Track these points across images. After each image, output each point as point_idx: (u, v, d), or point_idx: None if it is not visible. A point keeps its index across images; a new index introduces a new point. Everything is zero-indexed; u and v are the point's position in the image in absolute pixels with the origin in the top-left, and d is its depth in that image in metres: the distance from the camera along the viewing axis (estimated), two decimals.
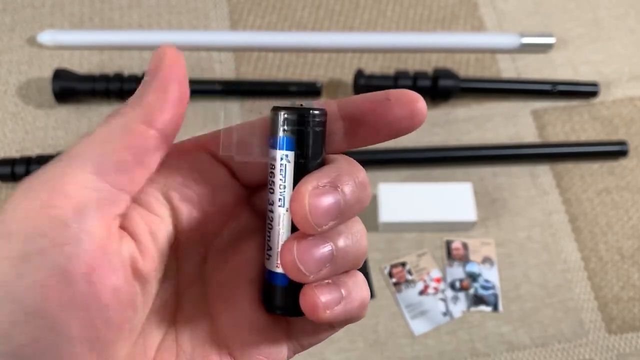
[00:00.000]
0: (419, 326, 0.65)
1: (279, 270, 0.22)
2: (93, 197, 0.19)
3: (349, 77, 0.79)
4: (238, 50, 0.81)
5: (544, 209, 0.72)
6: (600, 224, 0.71)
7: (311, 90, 0.77)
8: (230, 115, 0.23)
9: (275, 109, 0.22)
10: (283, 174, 0.22)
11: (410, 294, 0.66)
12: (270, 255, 0.22)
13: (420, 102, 0.22)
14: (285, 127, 0.21)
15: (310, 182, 0.20)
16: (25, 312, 0.18)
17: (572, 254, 0.69)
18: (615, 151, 0.74)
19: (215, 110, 0.77)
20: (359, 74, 0.76)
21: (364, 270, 0.67)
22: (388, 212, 0.68)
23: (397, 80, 0.75)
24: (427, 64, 0.81)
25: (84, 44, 0.80)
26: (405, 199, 0.69)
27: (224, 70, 0.80)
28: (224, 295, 0.23)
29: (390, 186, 0.69)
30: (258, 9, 0.85)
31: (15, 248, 0.18)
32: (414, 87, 0.75)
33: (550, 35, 0.81)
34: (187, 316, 0.23)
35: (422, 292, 0.67)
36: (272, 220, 0.22)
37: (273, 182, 0.22)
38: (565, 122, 0.77)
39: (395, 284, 0.67)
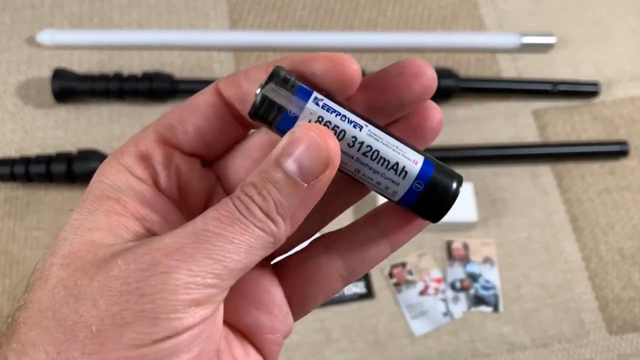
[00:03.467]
0: (419, 326, 0.65)
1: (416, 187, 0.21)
2: None
3: None
4: (238, 50, 0.81)
5: (545, 209, 0.72)
6: (601, 224, 0.71)
7: None
8: None
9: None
10: (332, 108, 0.20)
11: (411, 294, 0.66)
12: (401, 177, 0.21)
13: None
14: (293, 80, 0.20)
15: None
16: None
17: (573, 254, 0.69)
18: (615, 151, 0.74)
19: None
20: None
21: None
22: None
23: None
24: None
25: (84, 44, 0.80)
26: None
27: (223, 70, 0.80)
28: None
29: None
30: (258, 8, 0.85)
31: None
32: None
33: (550, 35, 0.81)
34: None
35: (423, 293, 0.66)
36: (371, 146, 0.20)
37: (337, 125, 0.20)
38: (565, 122, 0.77)
39: (396, 284, 0.67)
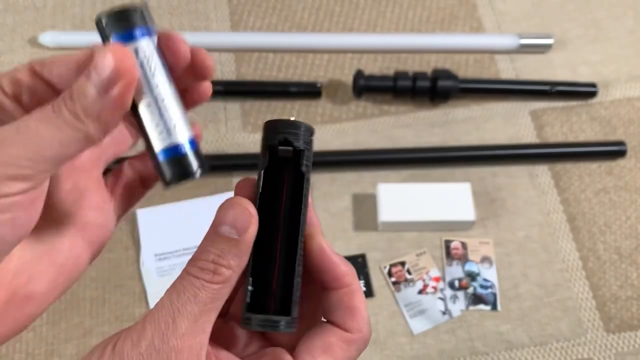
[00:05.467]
0: (418, 325, 0.65)
1: (180, 139, 0.24)
2: None
3: (348, 78, 0.79)
4: (238, 51, 0.82)
5: (543, 209, 0.72)
6: (599, 224, 0.72)
7: (311, 90, 0.78)
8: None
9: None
10: (159, 55, 0.25)
11: (410, 293, 0.67)
12: (174, 131, 0.25)
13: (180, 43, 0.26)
14: (147, 15, 0.25)
15: None
16: None
17: (571, 254, 0.70)
18: (613, 151, 0.75)
19: (215, 110, 0.78)
20: (359, 75, 0.76)
21: (363, 269, 0.67)
22: (388, 212, 0.68)
23: (397, 80, 0.75)
24: (426, 65, 0.81)
25: (85, 45, 0.80)
26: (404, 198, 0.69)
27: (224, 71, 0.80)
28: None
29: (390, 186, 0.70)
30: (258, 10, 0.85)
31: None
32: (414, 88, 0.76)
33: (548, 36, 0.82)
34: None
35: (421, 291, 0.67)
36: (164, 100, 0.25)
37: (155, 66, 0.24)
38: (563, 122, 0.78)
39: (395, 283, 0.67)
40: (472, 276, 0.68)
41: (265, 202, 0.25)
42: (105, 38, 0.24)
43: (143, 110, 0.24)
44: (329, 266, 0.26)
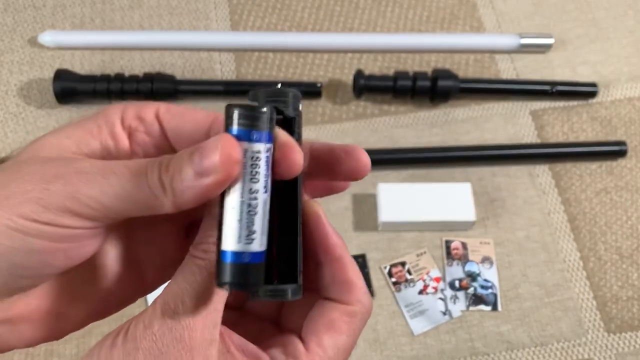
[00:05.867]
0: (418, 325, 0.65)
1: (254, 249, 0.24)
2: None
3: (348, 78, 0.79)
4: (238, 51, 0.82)
5: (543, 209, 0.72)
6: (599, 224, 0.71)
7: (311, 90, 0.78)
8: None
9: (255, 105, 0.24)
10: (267, 164, 0.24)
11: (410, 293, 0.67)
12: (252, 239, 0.24)
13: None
14: (270, 123, 0.23)
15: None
16: None
17: (571, 254, 0.70)
18: (614, 151, 0.75)
19: (215, 110, 0.78)
20: (359, 75, 0.76)
21: (363, 269, 0.67)
22: (388, 212, 0.68)
23: (397, 80, 0.75)
24: (426, 65, 0.81)
25: (85, 45, 0.80)
26: (404, 198, 0.69)
27: (224, 70, 0.80)
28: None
29: (390, 186, 0.70)
30: (258, 9, 0.85)
31: None
32: (414, 88, 0.75)
33: (549, 36, 0.82)
34: None
35: (422, 292, 0.67)
36: (256, 207, 0.24)
37: (258, 172, 0.24)
38: (564, 122, 0.78)
39: (395, 284, 0.67)
40: (472, 276, 0.68)
41: None
42: (226, 124, 0.24)
43: (228, 208, 0.24)
44: (322, 235, 0.27)
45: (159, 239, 0.27)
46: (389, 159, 0.73)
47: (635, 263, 0.69)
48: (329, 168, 0.27)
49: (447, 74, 0.76)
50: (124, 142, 0.26)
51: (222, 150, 0.22)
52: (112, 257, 0.27)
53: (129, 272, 0.28)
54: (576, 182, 0.74)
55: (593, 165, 0.75)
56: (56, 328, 0.26)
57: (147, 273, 0.28)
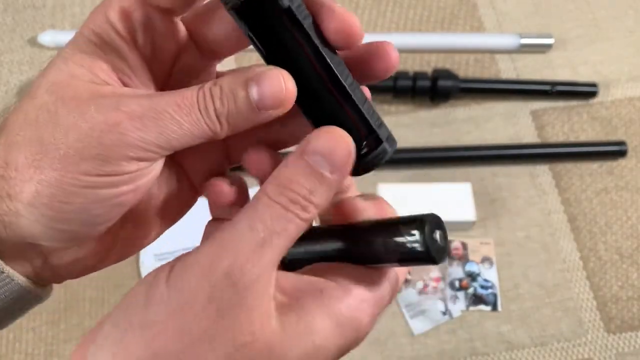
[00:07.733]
0: (418, 325, 0.65)
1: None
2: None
3: None
4: (238, 51, 0.81)
5: (543, 209, 0.72)
6: (599, 224, 0.71)
7: None
8: None
9: None
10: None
11: (410, 293, 0.67)
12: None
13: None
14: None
15: None
16: None
17: (571, 254, 0.70)
18: (614, 151, 0.75)
19: None
20: None
21: None
22: None
23: (397, 80, 0.75)
24: (426, 65, 0.81)
25: None
26: (404, 198, 0.69)
27: (224, 69, 0.80)
28: None
29: (390, 186, 0.70)
30: None
31: None
32: (414, 88, 0.75)
33: (549, 36, 0.82)
34: None
35: (422, 292, 0.67)
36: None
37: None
38: (564, 122, 0.78)
39: None
40: (472, 276, 0.68)
41: (278, 59, 0.24)
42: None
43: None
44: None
45: (202, 146, 0.25)
46: (388, 159, 0.73)
47: (635, 263, 0.69)
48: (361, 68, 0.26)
49: (448, 74, 0.76)
50: (132, 57, 0.24)
51: (287, 86, 0.23)
52: (164, 174, 0.27)
53: (179, 183, 0.28)
54: (576, 182, 0.74)
55: (593, 165, 0.75)
56: (119, 251, 0.28)
57: (194, 180, 0.29)
